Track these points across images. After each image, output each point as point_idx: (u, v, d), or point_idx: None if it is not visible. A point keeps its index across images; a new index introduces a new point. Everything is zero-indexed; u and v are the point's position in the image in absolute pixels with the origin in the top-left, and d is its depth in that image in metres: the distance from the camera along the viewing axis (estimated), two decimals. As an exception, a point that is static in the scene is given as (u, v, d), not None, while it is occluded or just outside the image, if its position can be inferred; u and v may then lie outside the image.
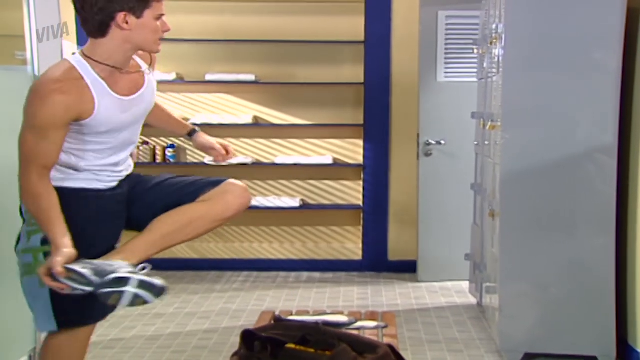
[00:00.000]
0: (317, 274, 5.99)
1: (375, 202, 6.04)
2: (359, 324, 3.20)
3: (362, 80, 5.98)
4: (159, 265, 6.45)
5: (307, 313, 3.40)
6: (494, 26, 4.22)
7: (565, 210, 3.87)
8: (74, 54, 2.63)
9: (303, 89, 6.14)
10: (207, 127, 6.11)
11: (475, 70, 5.16)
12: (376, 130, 5.99)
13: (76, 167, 2.62)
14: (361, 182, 6.11)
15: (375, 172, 6.03)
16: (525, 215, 3.91)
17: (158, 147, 6.15)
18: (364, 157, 6.04)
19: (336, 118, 6.12)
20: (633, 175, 3.85)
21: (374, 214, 6.04)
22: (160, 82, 6.37)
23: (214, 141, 3.13)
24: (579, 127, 3.85)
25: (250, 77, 6.03)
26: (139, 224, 2.73)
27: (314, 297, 5.31)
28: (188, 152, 6.24)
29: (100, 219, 2.68)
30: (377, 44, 5.95)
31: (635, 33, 3.84)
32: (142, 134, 6.53)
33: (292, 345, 2.61)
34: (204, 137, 3.13)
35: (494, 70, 4.23)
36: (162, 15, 2.66)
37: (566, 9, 3.83)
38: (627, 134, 3.88)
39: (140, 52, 2.72)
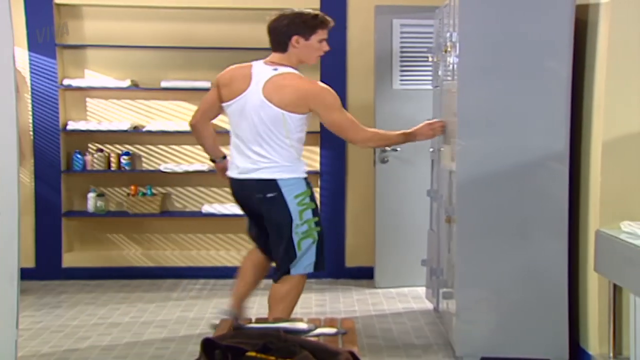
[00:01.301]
0: (274, 281, 5.97)
1: (332, 209, 6.06)
2: (319, 330, 3.20)
3: (318, 88, 6.00)
4: (112, 274, 6.39)
5: (266, 320, 3.39)
6: (448, 35, 4.28)
7: (520, 216, 3.94)
8: (275, 69, 3.84)
9: (259, 96, 6.13)
10: (163, 135, 6.08)
11: (430, 77, 5.22)
12: (333, 137, 5.89)
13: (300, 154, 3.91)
14: (318, 189, 6.12)
15: (332, 179, 6.05)
16: (482, 221, 3.97)
17: (113, 155, 6.09)
18: (321, 164, 6.06)
19: (292, 125, 6.12)
20: (584, 181, 3.94)
21: (331, 220, 6.05)
22: (114, 89, 6.35)
23: None
24: (532, 134, 3.93)
25: (206, 84, 5.99)
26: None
27: (271, 305, 5.30)
28: (144, 159, 6.19)
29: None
30: (332, 51, 5.83)
31: (584, 43, 3.94)
32: (96, 141, 6.48)
33: (252, 354, 2.60)
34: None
35: (449, 78, 4.28)
36: (325, 39, 3.92)
37: (519, 18, 3.91)
38: (577, 141, 3.97)
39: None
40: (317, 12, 3.99)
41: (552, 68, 3.88)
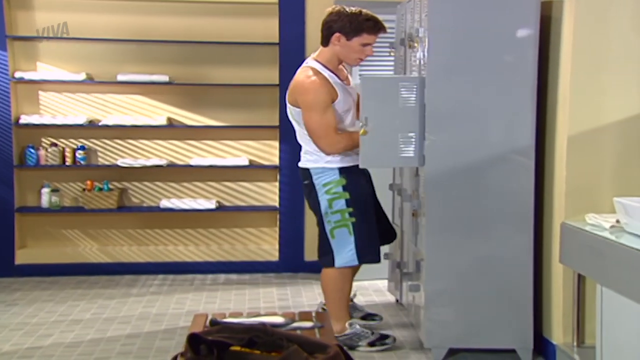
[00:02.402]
0: (234, 276, 5.96)
1: (291, 203, 6.06)
2: (295, 324, 3.20)
3: (277, 82, 5.99)
4: (68, 270, 6.25)
5: (241, 315, 3.38)
6: (414, 30, 4.31)
7: (486, 209, 4.00)
8: (306, 63, 4.08)
9: (218, 90, 6.10)
10: (120, 129, 5.98)
11: (390, 72, 5.25)
12: (292, 131, 5.91)
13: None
14: (277, 184, 6.12)
15: (292, 173, 6.02)
16: (449, 215, 4.01)
17: (67, 149, 5.97)
18: (280, 158, 6.05)
19: (251, 119, 6.11)
20: (549, 175, 4.02)
21: (290, 214, 6.06)
22: (69, 82, 6.21)
23: None
24: (499, 129, 3.99)
25: (164, 78, 5.94)
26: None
27: (234, 299, 5.28)
28: (100, 154, 6.08)
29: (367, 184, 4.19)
30: (291, 45, 5.97)
31: (548, 38, 4.02)
32: (49, 135, 6.33)
33: (237, 348, 2.59)
34: None
35: (415, 73, 4.32)
36: (369, 44, 3.98)
37: (485, 14, 3.96)
38: (543, 135, 4.05)
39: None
40: (373, 16, 4.03)
41: (518, 63, 3.95)
